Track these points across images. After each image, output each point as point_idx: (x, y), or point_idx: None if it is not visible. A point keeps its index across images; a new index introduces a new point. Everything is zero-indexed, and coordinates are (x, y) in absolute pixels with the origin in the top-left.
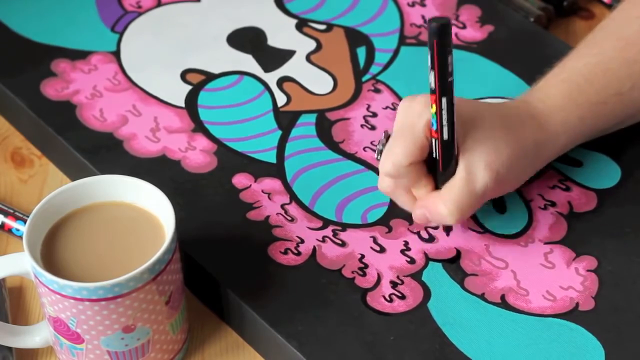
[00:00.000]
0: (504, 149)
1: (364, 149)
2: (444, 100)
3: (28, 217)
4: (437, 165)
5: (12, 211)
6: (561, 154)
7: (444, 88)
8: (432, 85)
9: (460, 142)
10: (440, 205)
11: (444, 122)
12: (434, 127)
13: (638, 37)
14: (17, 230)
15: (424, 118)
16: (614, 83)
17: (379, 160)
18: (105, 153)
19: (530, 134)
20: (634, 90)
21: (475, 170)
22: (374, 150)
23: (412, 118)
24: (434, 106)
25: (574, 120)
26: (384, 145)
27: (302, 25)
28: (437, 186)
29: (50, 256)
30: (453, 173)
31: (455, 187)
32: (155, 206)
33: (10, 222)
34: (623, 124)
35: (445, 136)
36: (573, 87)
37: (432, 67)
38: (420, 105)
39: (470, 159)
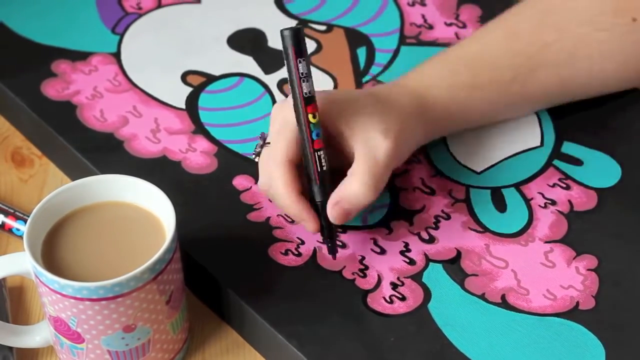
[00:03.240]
0: (389, 116)
1: None
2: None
3: (28, 216)
4: (321, 175)
5: (12, 211)
6: (443, 135)
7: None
8: (311, 91)
9: (342, 127)
10: (353, 184)
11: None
12: (320, 137)
13: (529, 32)
14: (18, 230)
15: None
16: (493, 71)
17: (256, 160)
18: (106, 153)
19: (407, 104)
20: (515, 83)
21: (373, 142)
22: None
23: (288, 121)
24: (317, 115)
25: (445, 99)
26: (261, 147)
27: (302, 26)
28: (314, 200)
29: (51, 256)
30: (329, 179)
31: (360, 161)
32: (156, 206)
33: (10, 222)
34: (506, 114)
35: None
36: (450, 67)
37: (309, 74)
38: (291, 116)
39: (363, 135)
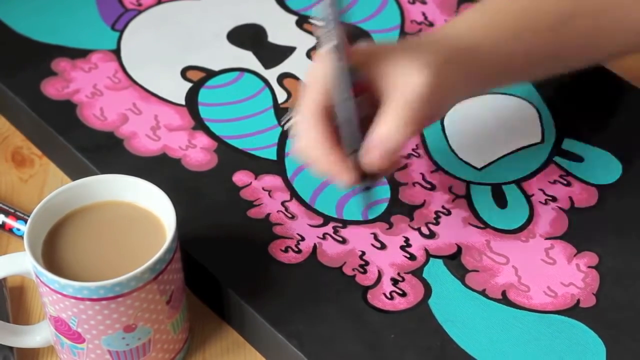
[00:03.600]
0: (426, 54)
1: None
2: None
3: (29, 216)
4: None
5: (12, 211)
6: (483, 90)
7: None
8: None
9: (375, 70)
10: (382, 123)
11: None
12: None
13: None
14: (18, 230)
15: (327, 76)
16: (532, 19)
17: (282, 125)
18: (106, 152)
19: (447, 50)
20: (553, 31)
21: (405, 78)
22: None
23: (317, 74)
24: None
25: (486, 47)
26: (289, 117)
27: (302, 21)
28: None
29: (51, 256)
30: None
31: (390, 101)
32: (156, 206)
33: (11, 222)
34: (542, 69)
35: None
36: (490, 16)
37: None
38: (322, 67)
39: (394, 71)
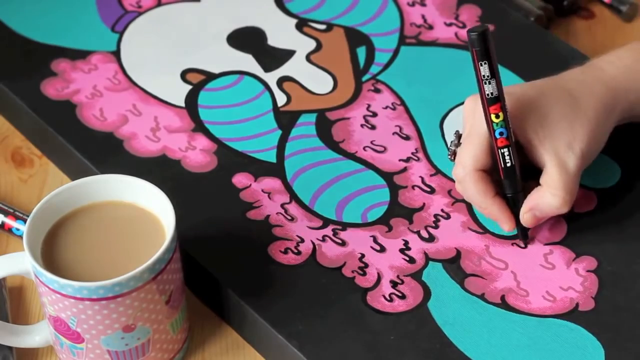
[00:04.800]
0: (578, 125)
1: (364, 148)
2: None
3: (28, 216)
4: (506, 172)
5: (12, 211)
6: (633, 120)
7: (501, 94)
8: (493, 93)
9: (531, 135)
10: (547, 196)
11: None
12: (504, 135)
13: None
14: (17, 229)
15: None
16: None
17: (452, 160)
18: (106, 153)
19: (600, 100)
20: None
21: (563, 155)
22: (376, 150)
23: (476, 127)
24: (501, 115)
25: (637, 86)
26: (456, 145)
27: (302, 25)
28: (504, 193)
29: (51, 256)
30: (519, 176)
31: (552, 174)
32: (156, 206)
33: (10, 222)
34: None
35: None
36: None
37: (492, 75)
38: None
39: (551, 144)
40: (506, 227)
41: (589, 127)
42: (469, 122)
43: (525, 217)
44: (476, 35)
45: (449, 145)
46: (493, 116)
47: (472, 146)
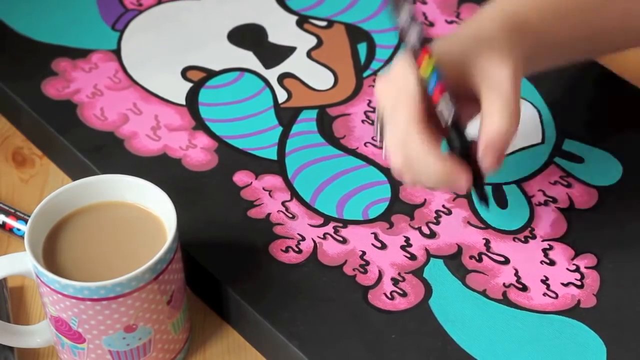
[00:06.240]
0: (497, 44)
1: (365, 144)
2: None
3: (29, 216)
4: (452, 123)
5: (13, 211)
6: (536, 68)
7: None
8: (416, 44)
9: (461, 68)
10: (495, 122)
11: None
12: (440, 79)
13: None
14: (19, 230)
15: (414, 85)
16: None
17: (380, 143)
18: (106, 152)
19: (501, 28)
20: (597, 9)
21: (494, 74)
22: (377, 146)
23: (400, 87)
24: (432, 59)
25: (535, 22)
26: (379, 128)
27: (302, 21)
28: (451, 146)
29: (52, 256)
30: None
31: (491, 100)
32: (157, 206)
33: (11, 222)
34: (587, 49)
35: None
36: None
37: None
38: (402, 78)
39: (490, 69)
40: (465, 180)
41: (510, 48)
42: (390, 93)
43: (487, 158)
44: None
45: (374, 128)
46: (425, 63)
47: (405, 108)
